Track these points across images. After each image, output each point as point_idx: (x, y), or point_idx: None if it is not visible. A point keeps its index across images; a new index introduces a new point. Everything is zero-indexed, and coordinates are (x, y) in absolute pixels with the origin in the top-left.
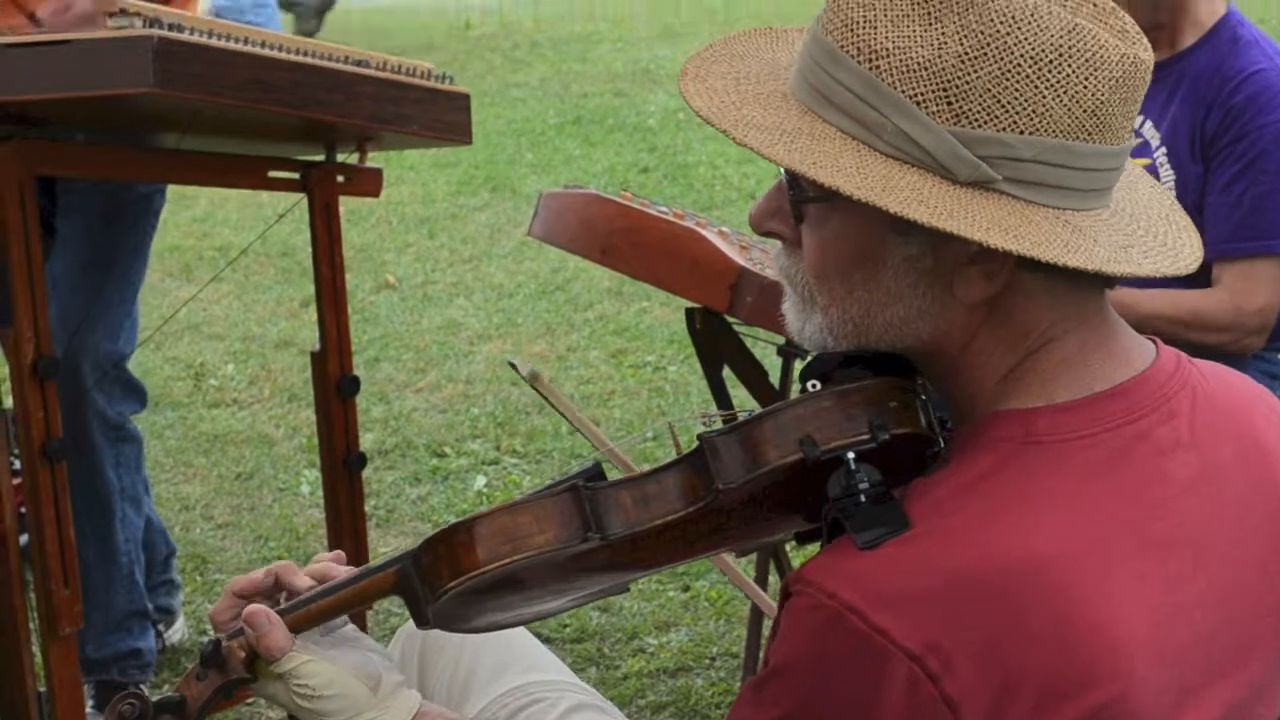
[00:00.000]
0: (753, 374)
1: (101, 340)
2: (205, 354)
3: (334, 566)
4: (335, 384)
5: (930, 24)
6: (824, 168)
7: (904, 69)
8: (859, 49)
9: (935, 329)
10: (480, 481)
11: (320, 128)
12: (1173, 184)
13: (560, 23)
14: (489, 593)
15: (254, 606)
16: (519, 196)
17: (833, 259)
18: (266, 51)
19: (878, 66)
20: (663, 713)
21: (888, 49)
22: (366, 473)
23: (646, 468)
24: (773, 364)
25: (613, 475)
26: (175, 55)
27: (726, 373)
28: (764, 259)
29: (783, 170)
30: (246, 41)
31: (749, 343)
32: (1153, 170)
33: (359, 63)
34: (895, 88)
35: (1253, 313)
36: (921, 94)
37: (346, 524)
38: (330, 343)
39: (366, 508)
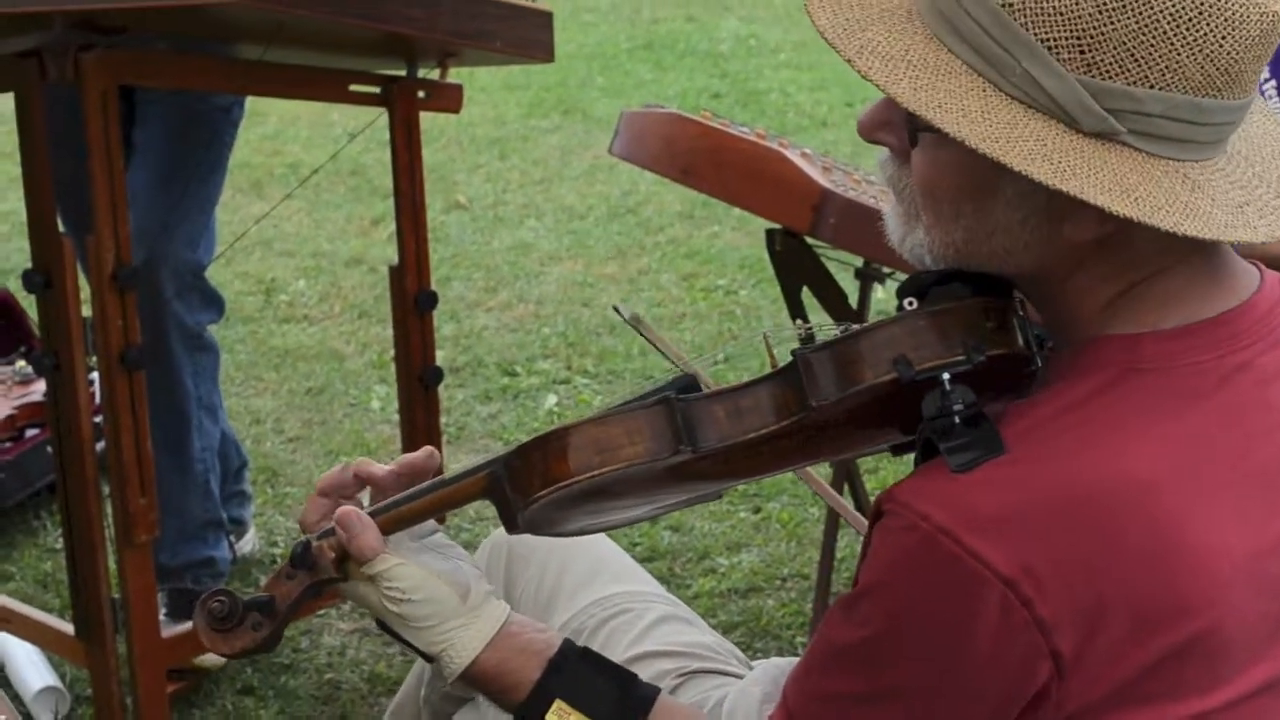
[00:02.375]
0: (832, 296)
1: (181, 249)
2: (276, 270)
3: (420, 461)
4: (413, 298)
5: None
6: (949, 112)
7: (1039, 11)
8: None
9: (1039, 261)
10: (551, 400)
11: (401, 42)
12: None
13: None
14: (579, 500)
15: (346, 508)
16: (590, 120)
17: (944, 185)
18: None
19: (1011, 4)
20: (734, 632)
21: None
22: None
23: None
24: (851, 286)
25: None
26: None
27: (805, 296)
28: (846, 180)
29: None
30: None
31: (830, 266)
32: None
33: None
34: (1028, 29)
35: None
36: (1054, 39)
37: (422, 438)
38: (409, 258)
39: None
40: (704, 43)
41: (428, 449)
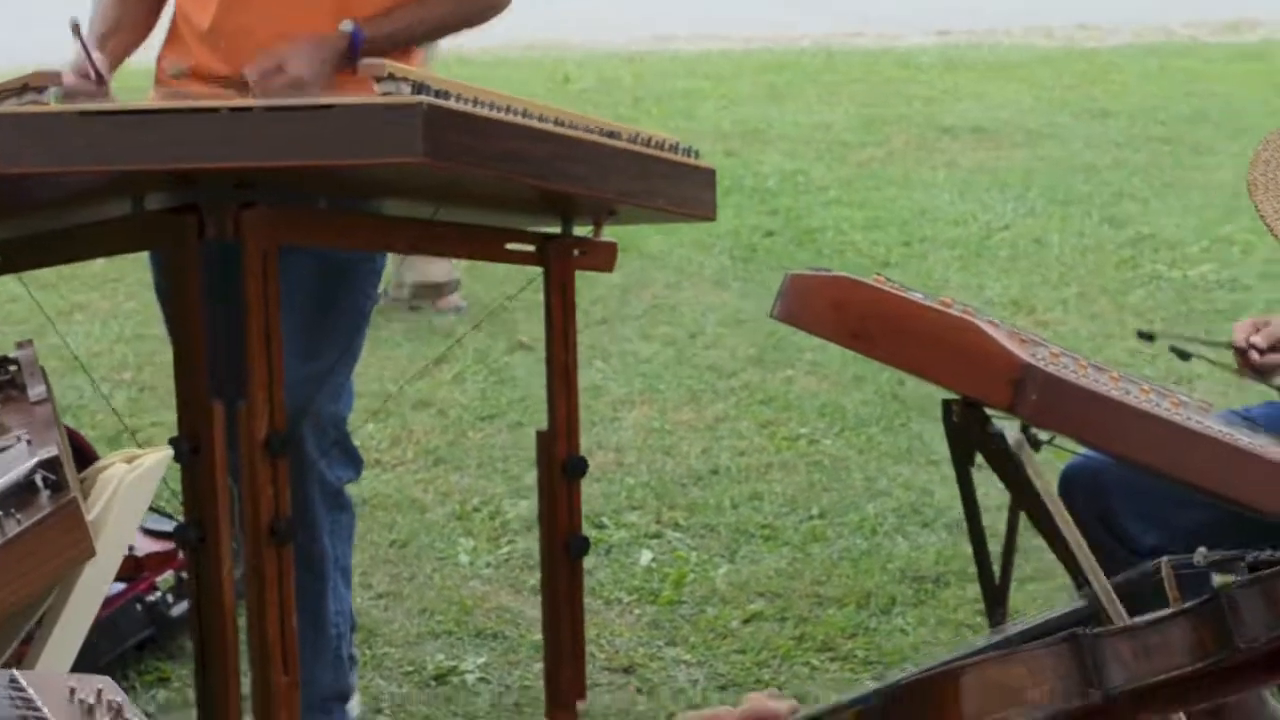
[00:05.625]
0: (1009, 471)
1: (325, 403)
2: None
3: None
4: (562, 465)
5: None
6: None
7: None
8: None
9: None
10: (646, 556)
11: (561, 200)
12: None
13: (659, 79)
14: None
15: None
16: (645, 257)
17: None
18: (526, 121)
19: None
20: None
21: None
22: (528, 542)
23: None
24: None
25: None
26: (443, 124)
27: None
28: (1047, 355)
29: None
30: (508, 110)
31: None
32: None
33: (610, 134)
34: None
35: None
36: None
37: (565, 611)
38: (559, 422)
39: (533, 581)
40: (749, 178)
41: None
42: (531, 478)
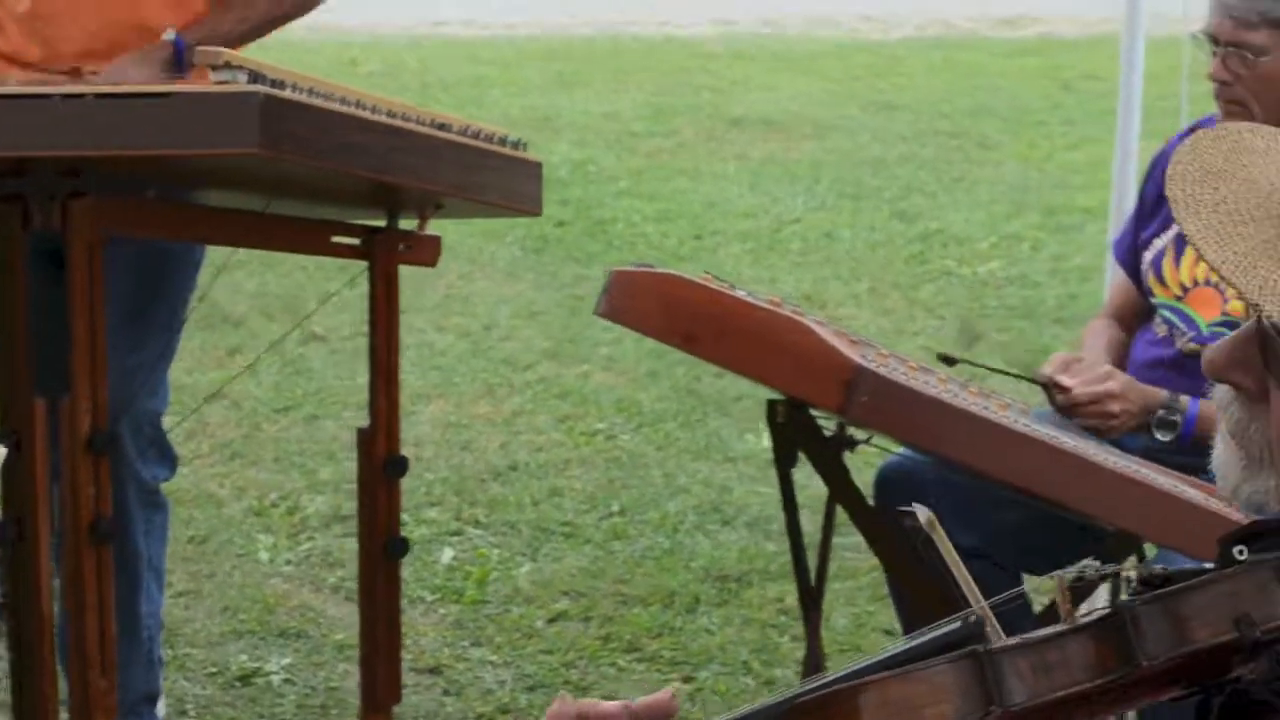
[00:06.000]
0: (833, 473)
1: (143, 398)
2: None
3: (663, 703)
4: (382, 464)
5: None
6: None
7: None
8: None
9: None
10: (448, 554)
11: (389, 193)
12: None
13: (445, 65)
14: None
15: None
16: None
17: None
18: (361, 112)
19: None
20: None
21: None
22: (326, 539)
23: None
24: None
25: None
26: (280, 114)
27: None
28: (876, 357)
29: (1265, 323)
30: (342, 100)
31: None
32: None
33: (441, 126)
34: None
35: None
36: None
37: (382, 614)
38: (380, 420)
39: (333, 579)
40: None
41: (668, 692)
42: (329, 472)
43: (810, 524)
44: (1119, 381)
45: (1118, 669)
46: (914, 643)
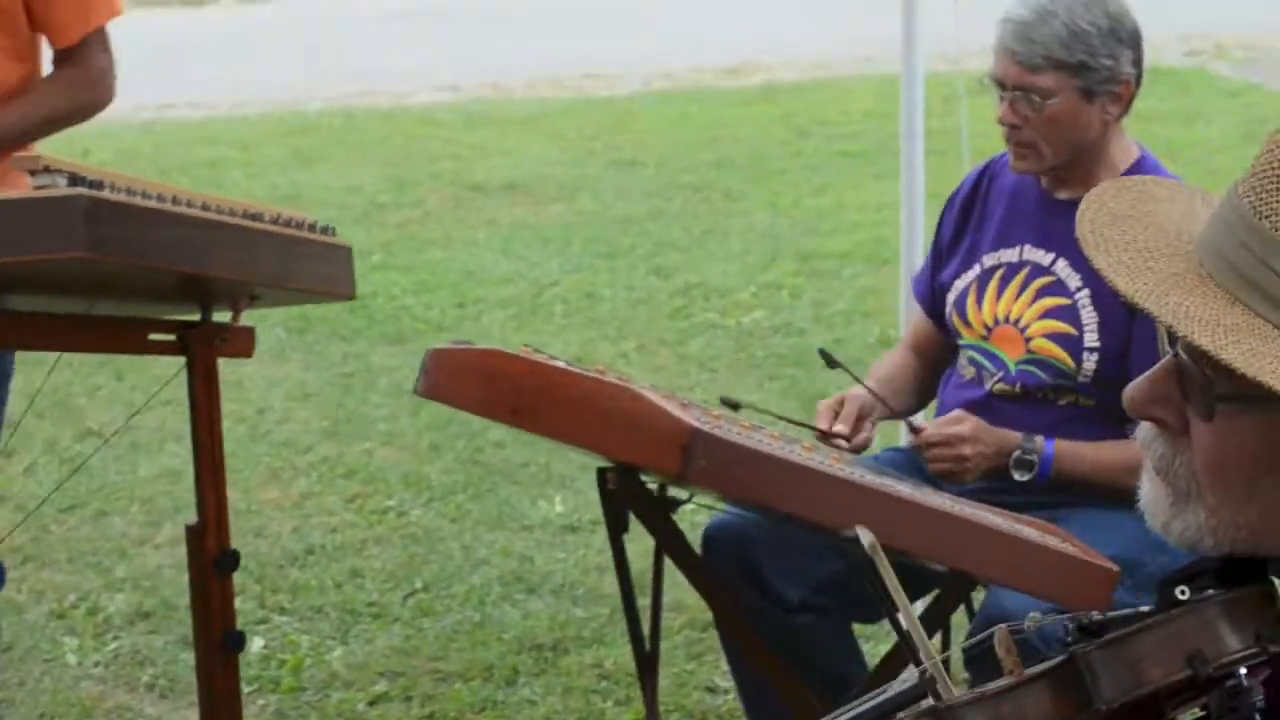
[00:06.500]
0: (669, 538)
1: None
2: None
3: None
4: (214, 559)
5: None
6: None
7: None
8: None
9: None
10: (258, 644)
11: (203, 286)
12: (1095, 326)
13: (180, 147)
14: None
15: None
16: None
17: (1239, 462)
18: (180, 208)
19: None
20: None
21: None
22: (133, 637)
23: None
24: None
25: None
26: (104, 216)
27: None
28: (706, 417)
29: (1182, 354)
30: (159, 197)
31: None
32: (1072, 311)
33: (253, 216)
34: None
35: None
36: None
37: (223, 708)
38: (209, 515)
39: (146, 676)
40: None
41: None
42: (125, 569)
43: (612, 586)
44: (970, 425)
45: (1075, 715)
46: (869, 704)
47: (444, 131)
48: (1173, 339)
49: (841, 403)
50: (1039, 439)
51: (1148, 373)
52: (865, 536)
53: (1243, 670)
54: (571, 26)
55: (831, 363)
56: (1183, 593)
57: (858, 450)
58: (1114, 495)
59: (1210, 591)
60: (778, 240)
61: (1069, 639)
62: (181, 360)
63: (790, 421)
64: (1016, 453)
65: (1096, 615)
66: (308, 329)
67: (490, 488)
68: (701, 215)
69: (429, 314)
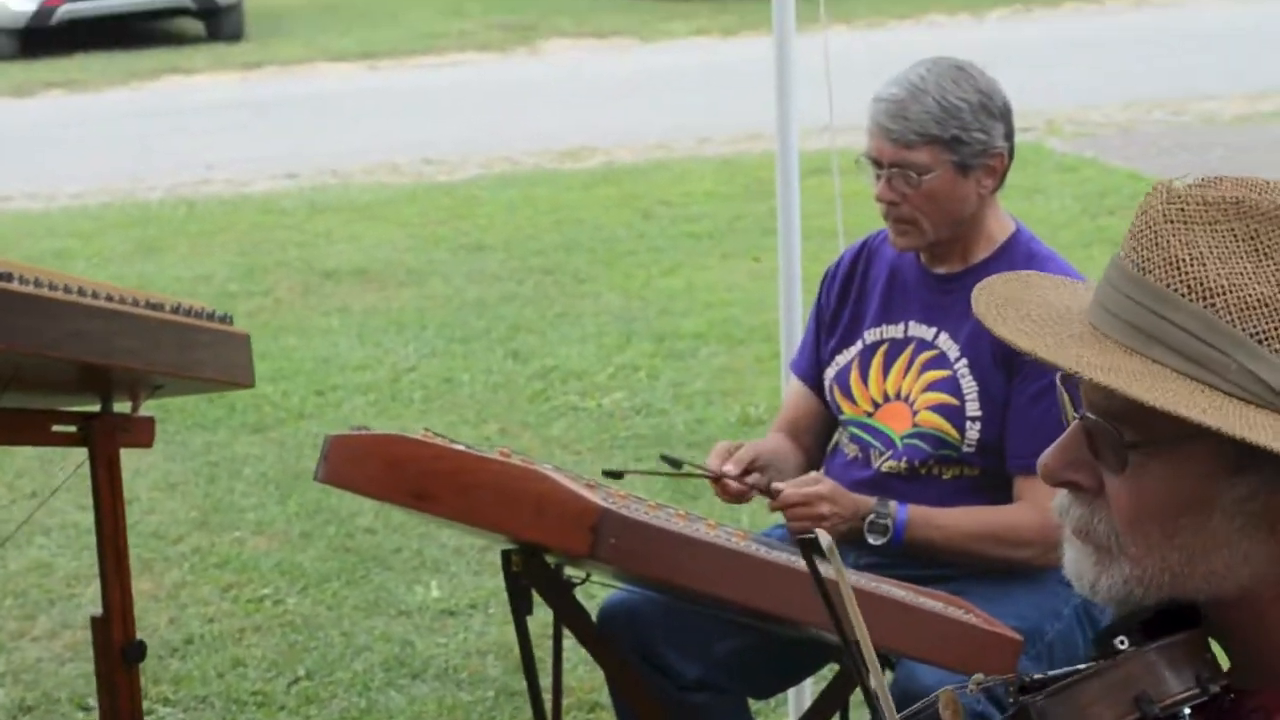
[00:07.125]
0: (575, 617)
1: None
2: None
3: None
4: (120, 650)
5: (1260, 260)
6: (1190, 410)
7: (1242, 306)
8: (1189, 287)
9: (1254, 575)
10: None
11: (103, 376)
12: (975, 394)
13: (22, 240)
14: None
15: None
16: None
17: (1156, 506)
18: (84, 299)
19: (1213, 305)
20: None
21: (1222, 286)
22: None
23: None
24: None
25: None
26: (12, 308)
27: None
28: (613, 496)
29: (1088, 414)
30: (65, 288)
31: None
32: (953, 382)
33: (154, 305)
34: (1235, 325)
35: (1059, 527)
36: (1263, 331)
37: None
38: (114, 607)
39: None
40: None
41: None
42: (4, 664)
43: (495, 669)
44: (828, 485)
45: None
46: None
47: (288, 219)
48: (1077, 405)
49: (739, 446)
50: (893, 504)
51: (1057, 441)
52: (824, 539)
53: (1187, 710)
54: (405, 113)
55: (676, 464)
56: (1121, 643)
57: (738, 497)
58: (969, 560)
59: (1151, 642)
60: (631, 321)
61: (1011, 699)
62: (41, 451)
63: (683, 471)
64: (871, 516)
65: (1037, 675)
66: (168, 419)
67: (364, 574)
68: (553, 298)
69: (289, 402)
